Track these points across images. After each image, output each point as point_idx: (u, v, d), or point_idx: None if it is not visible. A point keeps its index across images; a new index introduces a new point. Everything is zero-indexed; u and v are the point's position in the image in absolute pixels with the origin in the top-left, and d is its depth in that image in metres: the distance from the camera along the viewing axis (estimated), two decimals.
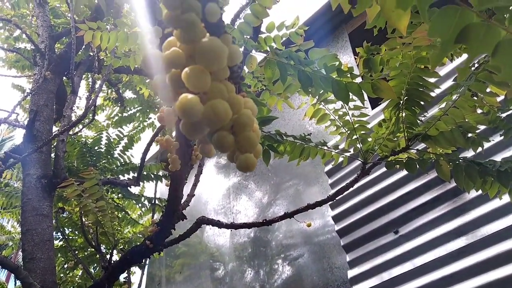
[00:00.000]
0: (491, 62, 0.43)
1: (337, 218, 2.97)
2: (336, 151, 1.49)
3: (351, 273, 2.75)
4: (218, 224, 1.63)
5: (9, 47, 3.99)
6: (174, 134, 1.31)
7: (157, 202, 3.84)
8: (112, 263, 1.93)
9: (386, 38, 1.29)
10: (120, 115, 4.45)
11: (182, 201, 1.51)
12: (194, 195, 1.65)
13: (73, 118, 2.81)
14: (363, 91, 1.04)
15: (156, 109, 4.71)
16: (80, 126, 3.38)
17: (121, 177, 3.78)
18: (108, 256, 2.58)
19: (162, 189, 4.58)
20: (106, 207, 2.12)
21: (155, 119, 4.68)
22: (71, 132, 3.88)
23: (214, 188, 5.01)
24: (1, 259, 1.89)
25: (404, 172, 2.88)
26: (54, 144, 2.82)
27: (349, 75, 1.05)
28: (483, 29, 0.41)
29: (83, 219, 3.30)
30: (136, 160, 4.10)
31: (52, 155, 2.76)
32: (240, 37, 1.18)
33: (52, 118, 2.79)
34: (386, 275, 2.58)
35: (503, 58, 0.42)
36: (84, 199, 2.00)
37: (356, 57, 1.70)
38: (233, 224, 1.61)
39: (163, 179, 3.74)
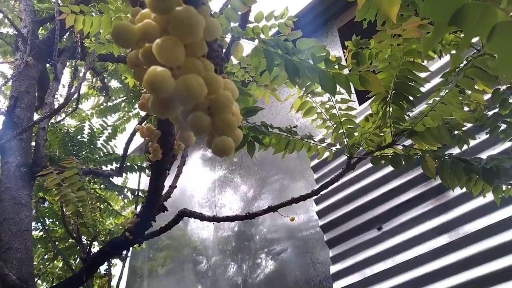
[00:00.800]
0: (487, 47, 0.41)
1: (321, 213, 2.96)
2: (322, 145, 1.46)
3: (334, 268, 2.75)
4: (201, 217, 1.60)
5: None
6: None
7: (140, 194, 3.78)
8: (91, 255, 1.89)
9: (376, 33, 1.27)
10: (105, 104, 4.38)
11: (164, 192, 1.47)
12: (176, 186, 1.62)
13: (56, 106, 2.73)
14: (350, 84, 1.01)
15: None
16: (63, 115, 3.30)
17: (104, 168, 3.71)
18: (87, 248, 2.53)
19: (146, 181, 4.52)
20: (87, 197, 2.07)
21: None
22: (53, 120, 3.80)
23: (199, 181, 4.97)
24: None
25: (389, 169, 2.88)
26: (35, 132, 2.74)
27: (336, 66, 1.03)
28: (479, 10, 0.39)
29: (64, 210, 3.24)
30: (120, 151, 4.04)
31: (33, 143, 2.69)
32: (226, 24, 1.14)
33: (33, 105, 2.72)
34: (368, 271, 2.58)
35: (498, 42, 0.39)
36: (64, 189, 1.95)
37: (345, 50, 1.68)
38: (215, 217, 1.58)
39: (146, 170, 3.69)
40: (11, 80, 2.63)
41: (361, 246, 2.71)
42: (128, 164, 3.67)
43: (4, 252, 2.23)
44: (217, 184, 4.52)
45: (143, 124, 2.17)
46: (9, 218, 2.34)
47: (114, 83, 4.54)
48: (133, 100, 4.57)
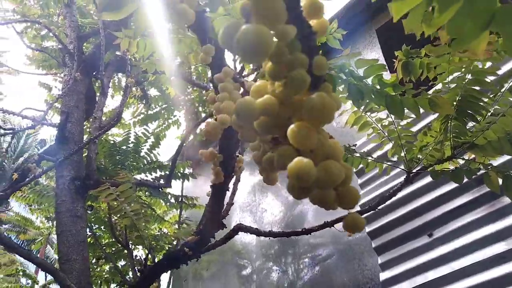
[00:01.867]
0: None
1: (368, 220, 2.92)
2: (380, 160, 1.45)
3: (383, 275, 2.71)
4: (257, 233, 1.62)
5: (37, 47, 4.03)
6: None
7: (184, 200, 3.85)
8: (148, 267, 1.94)
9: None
10: (145, 113, 4.47)
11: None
12: (233, 203, 1.64)
13: (103, 118, 2.82)
14: (419, 106, 0.99)
15: (180, 107, 4.71)
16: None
17: (148, 176, 3.81)
18: (143, 259, 2.59)
19: (187, 186, 4.59)
20: (141, 210, 2.13)
21: (180, 116, 4.69)
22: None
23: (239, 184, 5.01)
24: (41, 262, 1.92)
25: None
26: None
27: (395, 88, 1.01)
28: None
29: (111, 217, 3.34)
30: (162, 158, 4.12)
31: (84, 155, 2.79)
32: None
33: (82, 119, 2.82)
34: (420, 279, 2.53)
35: None
36: (120, 203, 2.01)
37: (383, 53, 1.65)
38: (271, 233, 1.59)
39: (189, 177, 3.75)
40: (61, 97, 2.72)
41: (412, 253, 2.65)
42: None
43: (63, 263, 2.33)
44: (257, 188, 4.54)
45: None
46: (66, 230, 2.44)
47: (153, 91, 4.63)
48: (172, 108, 4.65)
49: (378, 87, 1.00)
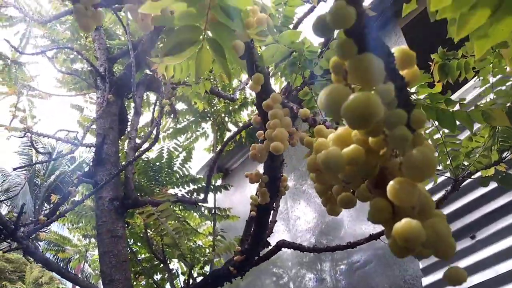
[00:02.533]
0: None
1: None
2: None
3: (426, 280, 2.66)
4: (300, 248, 1.61)
5: (67, 70, 4.15)
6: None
7: (217, 211, 3.87)
8: (192, 285, 1.96)
9: (445, 31, 1.21)
10: (174, 127, 4.53)
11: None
12: (276, 221, 1.64)
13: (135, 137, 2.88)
14: (471, 119, 0.97)
15: (207, 118, 4.76)
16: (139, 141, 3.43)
17: (182, 189, 3.85)
18: (187, 278, 2.61)
19: (218, 196, 4.61)
20: (182, 228, 2.15)
21: (208, 128, 4.73)
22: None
23: None
24: (89, 286, 1.97)
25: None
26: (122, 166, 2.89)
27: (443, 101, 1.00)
28: None
29: (148, 233, 3.39)
30: (192, 169, 4.16)
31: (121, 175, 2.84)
32: (326, 65, 1.14)
33: (117, 140, 2.87)
34: (464, 283, 2.47)
35: None
36: (162, 224, 2.04)
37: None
38: (315, 248, 1.58)
39: (222, 189, 3.77)
40: (96, 120, 2.79)
41: (454, 256, 2.59)
42: (204, 184, 3.78)
43: (107, 284, 2.37)
44: (289, 196, 4.53)
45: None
46: (108, 251, 2.48)
47: (180, 105, 4.68)
48: (199, 120, 4.70)
49: (428, 101, 0.98)
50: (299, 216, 4.26)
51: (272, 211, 1.40)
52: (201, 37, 0.65)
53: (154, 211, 2.08)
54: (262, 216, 1.37)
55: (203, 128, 4.65)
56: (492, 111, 0.95)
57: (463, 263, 2.54)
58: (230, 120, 4.81)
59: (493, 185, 2.56)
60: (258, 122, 1.14)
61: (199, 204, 2.96)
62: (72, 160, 13.16)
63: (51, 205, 5.59)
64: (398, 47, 0.37)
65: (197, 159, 5.68)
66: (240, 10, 0.60)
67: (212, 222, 3.94)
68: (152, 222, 2.17)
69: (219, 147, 4.37)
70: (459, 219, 2.64)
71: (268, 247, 1.52)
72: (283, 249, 4.30)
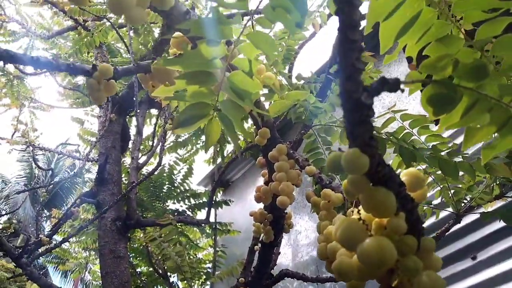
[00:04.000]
0: None
1: None
2: (430, 206, 1.44)
3: None
4: (303, 278, 1.62)
5: (69, 84, 4.17)
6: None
7: (218, 226, 3.88)
8: None
9: None
10: (174, 140, 4.54)
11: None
12: (279, 253, 1.65)
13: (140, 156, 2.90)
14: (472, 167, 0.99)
15: None
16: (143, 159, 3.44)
17: (182, 205, 3.87)
18: None
19: (219, 210, 4.61)
20: (184, 252, 2.16)
21: None
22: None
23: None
24: None
25: None
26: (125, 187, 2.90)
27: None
28: None
29: (149, 250, 3.40)
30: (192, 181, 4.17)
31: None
32: (331, 110, 1.16)
33: (120, 158, 2.89)
34: None
35: None
36: (165, 248, 2.05)
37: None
38: (318, 278, 1.60)
39: (223, 205, 3.79)
40: (98, 140, 2.80)
41: (454, 277, 2.61)
42: (205, 199, 3.79)
43: None
44: (292, 210, 4.55)
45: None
46: (110, 271, 2.49)
47: None
48: (199, 133, 4.71)
49: (431, 150, 1.00)
50: (300, 231, 4.27)
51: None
52: (211, 111, 0.67)
53: (157, 236, 2.09)
54: (266, 252, 1.38)
55: (203, 142, 4.66)
56: (497, 165, 0.96)
57: (464, 284, 2.55)
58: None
59: (496, 204, 2.58)
60: (262, 165, 1.16)
61: (202, 225, 2.97)
62: (71, 166, 13.16)
63: (52, 218, 5.62)
64: (409, 170, 0.39)
65: (197, 170, 5.71)
66: (251, 93, 0.62)
67: (213, 237, 3.96)
68: (154, 247, 2.18)
69: (219, 159, 4.40)
70: (460, 239, 2.65)
71: (271, 279, 1.53)
72: (284, 263, 4.30)
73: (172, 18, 0.64)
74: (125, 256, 2.60)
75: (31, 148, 4.27)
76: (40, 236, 2.41)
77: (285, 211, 1.29)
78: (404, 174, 0.42)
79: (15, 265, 1.98)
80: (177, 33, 0.74)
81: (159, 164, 2.43)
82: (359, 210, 0.37)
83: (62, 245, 5.19)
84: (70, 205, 2.74)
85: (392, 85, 0.34)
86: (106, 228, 2.62)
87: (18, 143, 4.31)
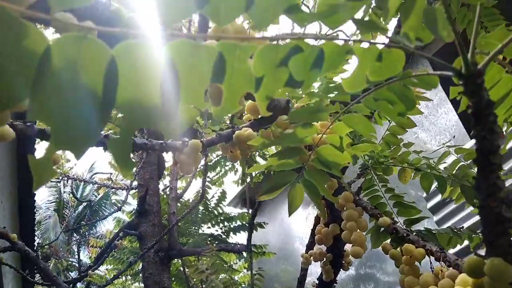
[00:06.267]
0: None
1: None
2: None
3: None
4: None
5: None
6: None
7: (253, 248, 3.89)
8: None
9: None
10: (204, 164, 4.60)
11: None
12: (336, 282, 1.65)
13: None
14: None
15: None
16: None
17: (216, 228, 3.90)
18: None
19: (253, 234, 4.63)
20: (230, 282, 2.18)
21: (237, 164, 4.78)
22: (163, 188, 4.07)
23: (297, 219, 5.04)
24: None
25: None
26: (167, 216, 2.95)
27: None
28: None
29: (186, 274, 3.43)
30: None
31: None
32: (387, 148, 1.17)
33: (158, 189, 2.94)
34: None
35: None
36: (211, 281, 2.07)
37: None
38: None
39: (257, 227, 3.79)
40: (137, 174, 2.87)
41: None
42: (239, 223, 3.82)
43: None
44: (312, 223, 4.54)
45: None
46: None
47: None
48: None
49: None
50: None
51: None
52: (295, 178, 0.69)
53: (203, 268, 2.12)
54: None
55: (231, 163, 4.71)
56: None
57: None
58: (258, 153, 4.86)
59: None
60: (323, 212, 1.17)
61: (243, 253, 2.99)
62: (99, 189, 13.36)
63: (81, 238, 5.73)
64: None
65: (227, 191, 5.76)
66: (339, 164, 0.64)
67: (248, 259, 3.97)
68: (198, 277, 2.21)
69: (248, 179, 4.43)
70: None
71: None
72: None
73: (272, 107, 0.68)
74: (168, 286, 2.64)
75: (66, 179, 4.38)
76: (88, 271, 2.47)
77: (344, 250, 1.29)
78: None
79: None
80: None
81: (202, 196, 2.47)
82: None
83: (98, 270, 5.28)
84: (112, 237, 2.79)
85: None
86: (149, 260, 2.66)
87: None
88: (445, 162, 1.28)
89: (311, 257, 1.30)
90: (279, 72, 0.33)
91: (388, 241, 0.90)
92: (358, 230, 0.92)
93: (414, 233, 0.85)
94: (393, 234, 0.86)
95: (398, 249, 0.91)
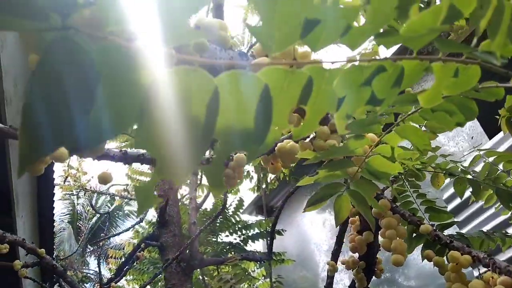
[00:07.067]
0: None
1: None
2: None
3: None
4: None
5: None
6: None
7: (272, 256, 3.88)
8: None
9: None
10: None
11: None
12: None
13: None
14: None
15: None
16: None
17: (234, 236, 3.90)
18: None
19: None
20: None
21: (252, 170, 4.79)
22: (179, 197, 4.09)
23: (313, 225, 5.01)
24: None
25: None
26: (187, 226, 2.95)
27: None
28: None
29: (206, 282, 3.43)
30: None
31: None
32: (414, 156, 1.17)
33: (177, 199, 2.95)
34: None
35: None
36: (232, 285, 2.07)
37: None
38: None
39: (276, 235, 3.78)
40: (156, 186, 2.88)
41: None
42: (258, 230, 3.82)
43: None
44: (329, 229, 4.52)
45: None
46: None
47: None
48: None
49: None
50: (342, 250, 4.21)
51: None
52: (342, 189, 0.69)
53: (228, 278, 2.12)
54: None
55: (247, 171, 4.72)
56: None
57: None
58: None
59: None
60: (356, 225, 1.17)
61: (264, 261, 2.98)
62: (112, 200, 13.44)
63: (100, 250, 5.79)
64: None
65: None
66: (390, 174, 0.64)
67: (267, 267, 3.95)
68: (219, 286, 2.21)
69: (263, 186, 4.44)
70: None
71: None
72: None
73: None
74: None
75: (83, 192, 4.41)
76: (111, 283, 2.48)
77: (376, 257, 1.29)
78: None
79: None
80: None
81: (224, 206, 2.48)
82: None
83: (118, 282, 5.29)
84: (133, 249, 2.81)
85: None
86: (171, 270, 2.66)
87: (71, 188, 4.47)
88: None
89: (344, 265, 1.30)
90: (362, 92, 0.33)
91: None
92: (398, 238, 0.92)
93: (456, 239, 0.84)
94: (435, 241, 0.86)
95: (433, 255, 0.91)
